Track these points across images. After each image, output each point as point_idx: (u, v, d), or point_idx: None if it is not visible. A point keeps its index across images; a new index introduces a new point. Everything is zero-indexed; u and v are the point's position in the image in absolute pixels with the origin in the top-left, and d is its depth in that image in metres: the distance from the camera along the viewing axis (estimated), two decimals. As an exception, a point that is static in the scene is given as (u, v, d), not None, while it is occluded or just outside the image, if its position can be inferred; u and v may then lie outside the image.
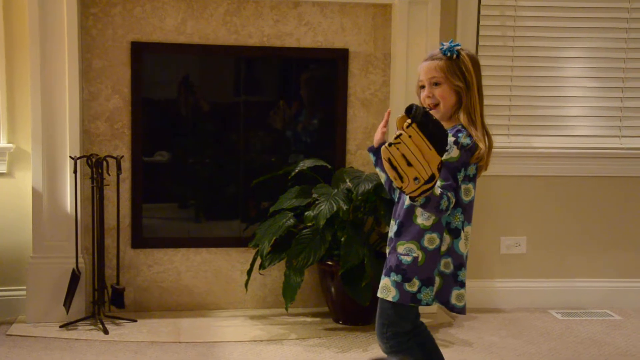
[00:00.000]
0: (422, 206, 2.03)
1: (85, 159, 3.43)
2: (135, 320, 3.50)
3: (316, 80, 3.81)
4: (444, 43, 2.20)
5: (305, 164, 3.55)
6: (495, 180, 3.82)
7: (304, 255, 3.36)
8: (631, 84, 3.93)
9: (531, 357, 3.22)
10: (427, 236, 2.16)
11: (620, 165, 3.94)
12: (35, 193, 3.43)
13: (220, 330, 3.44)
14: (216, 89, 3.79)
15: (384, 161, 1.95)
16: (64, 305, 3.38)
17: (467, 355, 3.21)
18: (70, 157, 3.40)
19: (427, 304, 2.19)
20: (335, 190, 3.45)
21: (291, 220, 3.45)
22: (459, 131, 2.13)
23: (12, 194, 3.55)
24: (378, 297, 2.23)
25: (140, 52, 3.55)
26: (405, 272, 2.16)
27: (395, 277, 2.18)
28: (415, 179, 1.92)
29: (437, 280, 2.18)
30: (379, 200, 3.47)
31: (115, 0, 3.51)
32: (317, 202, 3.39)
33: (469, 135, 2.13)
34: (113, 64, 3.54)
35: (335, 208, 3.33)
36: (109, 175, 3.45)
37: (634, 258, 4.00)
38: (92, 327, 3.39)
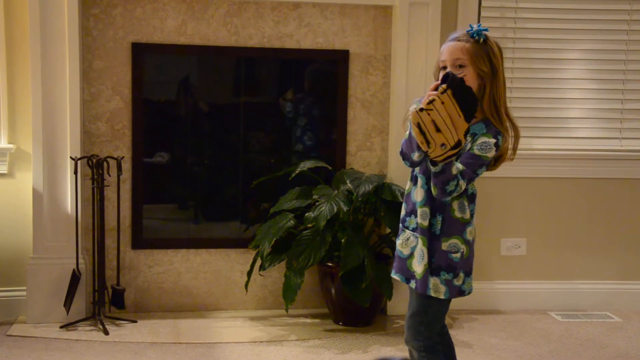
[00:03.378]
0: (435, 175, 2.04)
1: (85, 159, 3.43)
2: (136, 321, 3.50)
3: (316, 82, 3.81)
4: (473, 25, 2.14)
5: (306, 165, 3.55)
6: (495, 182, 3.82)
7: (304, 257, 3.36)
8: (632, 86, 3.94)
9: (531, 358, 3.22)
10: (468, 229, 2.18)
11: (621, 167, 3.94)
12: (35, 194, 3.43)
13: (220, 331, 3.44)
14: (216, 90, 3.79)
15: (412, 125, 1.96)
16: (64, 305, 3.39)
17: (468, 356, 3.21)
18: (70, 157, 3.40)
19: (469, 293, 2.23)
20: (336, 192, 3.45)
21: (291, 221, 3.45)
22: (498, 133, 2.13)
23: (12, 195, 3.55)
24: (420, 298, 2.20)
25: (141, 53, 3.55)
26: (455, 269, 2.18)
27: (446, 275, 2.17)
28: (442, 145, 1.95)
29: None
30: (379, 202, 3.47)
31: (116, 1, 3.52)
32: (317, 203, 3.39)
33: (504, 137, 2.13)
34: (114, 65, 3.55)
35: (335, 209, 3.33)
36: (110, 176, 3.45)
37: (634, 260, 3.99)
38: (92, 327, 3.39)
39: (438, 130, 1.93)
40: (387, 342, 3.35)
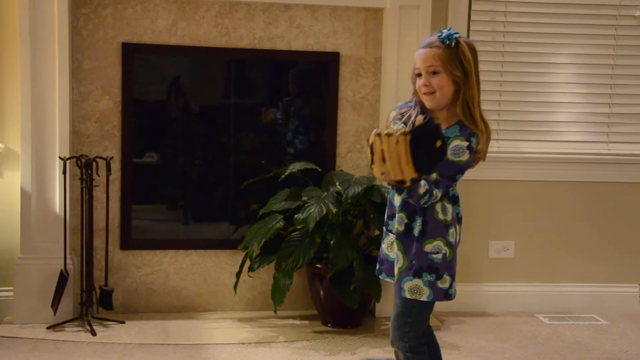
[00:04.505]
0: (406, 197, 2.09)
1: (74, 159, 3.42)
2: (124, 322, 3.49)
3: (307, 83, 3.81)
4: (443, 30, 2.15)
5: (296, 166, 3.56)
6: (483, 185, 3.84)
7: (293, 258, 3.36)
8: (619, 90, 3.97)
9: (518, 360, 3.24)
10: (450, 231, 2.18)
11: (608, 171, 3.97)
12: (24, 193, 3.42)
13: (209, 333, 3.44)
14: (207, 90, 3.79)
15: (367, 141, 1.98)
16: (52, 306, 3.37)
17: (455, 358, 3.22)
18: (59, 157, 3.39)
19: (454, 297, 2.23)
20: (325, 193, 3.46)
21: (281, 222, 3.45)
22: (472, 135, 2.12)
23: (0, 194, 3.53)
24: (404, 298, 2.20)
25: (131, 53, 3.54)
26: (438, 270, 2.17)
27: (428, 277, 2.17)
28: (383, 173, 1.96)
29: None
30: (369, 204, 3.47)
31: (107, 1, 3.51)
32: (306, 204, 3.40)
33: (478, 138, 2.12)
34: (104, 65, 3.54)
35: (324, 211, 3.33)
36: (99, 176, 3.43)
37: (621, 263, 4.02)
38: (79, 328, 3.38)
39: (384, 161, 1.94)
40: (376, 343, 3.36)
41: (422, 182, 2.06)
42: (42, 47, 3.36)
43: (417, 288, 2.18)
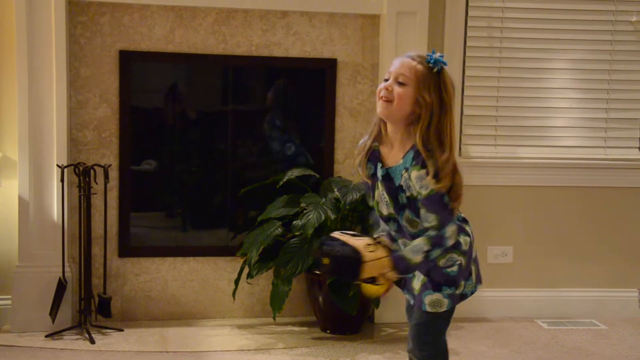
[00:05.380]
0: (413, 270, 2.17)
1: (72, 167, 3.42)
2: (122, 330, 3.48)
3: (304, 90, 3.82)
4: (435, 53, 2.06)
5: (294, 173, 3.56)
6: (482, 190, 3.84)
7: (292, 265, 3.36)
8: (616, 95, 3.98)
9: (518, 366, 3.24)
10: (462, 240, 2.15)
11: (605, 176, 3.98)
12: (21, 201, 3.41)
13: (208, 340, 3.43)
14: (204, 97, 3.80)
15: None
16: (50, 314, 3.36)
17: (454, 364, 3.22)
18: (57, 165, 3.39)
19: (473, 292, 2.21)
20: (323, 200, 3.46)
21: (279, 229, 3.45)
22: (424, 160, 2.01)
23: (-2, 203, 3.54)
24: (424, 312, 2.16)
25: (129, 60, 3.55)
26: (455, 282, 2.15)
27: (448, 290, 2.15)
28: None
29: (472, 267, 2.21)
30: (367, 210, 3.47)
31: (104, 9, 3.51)
32: (305, 211, 3.40)
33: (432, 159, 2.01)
34: (101, 73, 3.54)
35: (323, 217, 3.33)
36: (97, 183, 3.43)
37: (619, 268, 4.03)
38: (78, 336, 3.37)
39: None
40: (375, 350, 3.36)
41: (416, 248, 2.04)
42: (40, 55, 3.36)
43: (438, 302, 2.15)
